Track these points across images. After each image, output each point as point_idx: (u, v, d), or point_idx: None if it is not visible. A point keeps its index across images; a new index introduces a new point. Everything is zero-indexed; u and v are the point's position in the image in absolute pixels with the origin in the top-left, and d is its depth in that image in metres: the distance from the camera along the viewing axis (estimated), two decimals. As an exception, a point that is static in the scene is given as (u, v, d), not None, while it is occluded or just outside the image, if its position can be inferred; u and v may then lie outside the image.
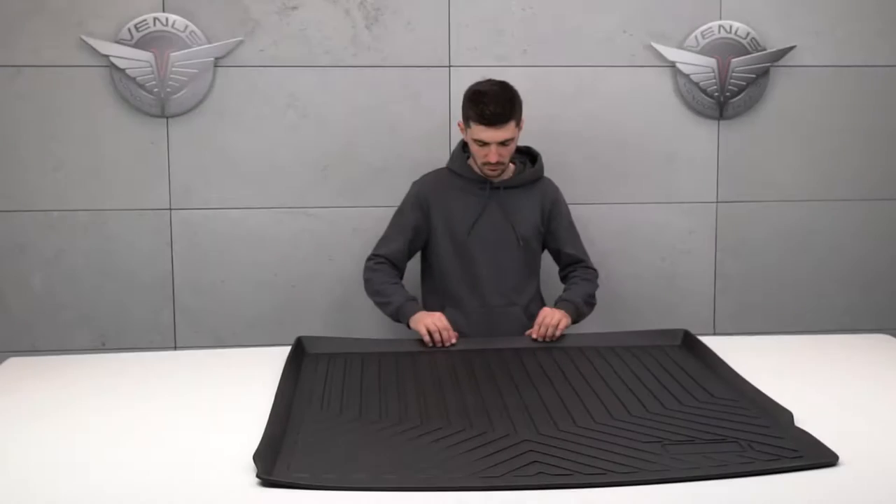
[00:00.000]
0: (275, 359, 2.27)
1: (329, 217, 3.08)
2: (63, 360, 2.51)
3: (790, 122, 3.16)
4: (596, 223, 3.15)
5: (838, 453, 1.63)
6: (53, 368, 2.34)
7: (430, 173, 2.81)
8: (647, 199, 3.17)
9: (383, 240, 2.75)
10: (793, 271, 3.23)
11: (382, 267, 2.69)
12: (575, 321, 2.56)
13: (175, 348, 3.08)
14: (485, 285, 2.69)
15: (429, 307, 2.74)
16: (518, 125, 2.60)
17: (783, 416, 1.82)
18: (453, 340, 2.43)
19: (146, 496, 1.53)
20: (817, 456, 1.63)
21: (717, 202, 3.19)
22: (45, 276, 3.03)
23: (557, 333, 2.44)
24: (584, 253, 2.78)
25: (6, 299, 3.03)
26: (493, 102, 2.53)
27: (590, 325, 3.09)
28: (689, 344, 2.40)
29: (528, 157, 2.82)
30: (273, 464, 1.60)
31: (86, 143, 2.99)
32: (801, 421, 1.81)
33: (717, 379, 2.11)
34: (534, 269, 2.78)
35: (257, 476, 1.54)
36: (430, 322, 2.44)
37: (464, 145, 2.74)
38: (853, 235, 3.23)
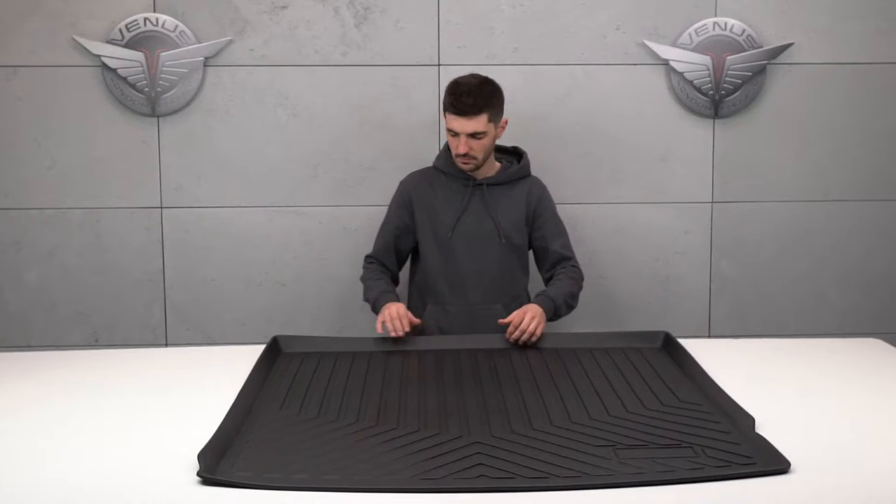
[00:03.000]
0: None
1: (319, 216, 3.09)
2: (43, 356, 2.54)
3: (787, 121, 3.10)
4: (588, 223, 3.12)
5: (796, 460, 1.60)
6: (33, 364, 2.36)
7: (416, 171, 2.81)
8: (641, 199, 3.13)
9: (375, 240, 2.79)
10: (790, 272, 3.17)
11: (371, 266, 2.74)
12: (550, 319, 2.51)
13: (166, 345, 3.10)
14: (467, 283, 2.67)
15: (413, 305, 2.75)
16: (493, 121, 2.58)
17: (745, 422, 1.78)
18: (405, 329, 2.38)
19: (97, 490, 1.54)
20: (770, 462, 1.59)
21: (712, 202, 3.14)
22: (40, 272, 3.07)
23: (533, 340, 2.37)
24: (572, 252, 2.73)
25: (2, 295, 3.08)
26: (466, 93, 2.54)
27: (580, 327, 3.07)
28: (669, 346, 2.36)
29: (515, 156, 2.80)
30: (218, 462, 1.60)
31: (79, 142, 3.02)
32: (765, 426, 1.77)
33: (687, 383, 2.07)
34: (519, 269, 2.74)
35: (197, 474, 1.54)
36: (386, 312, 2.42)
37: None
38: (852, 236, 3.16)
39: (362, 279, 2.73)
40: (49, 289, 3.08)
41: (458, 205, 2.67)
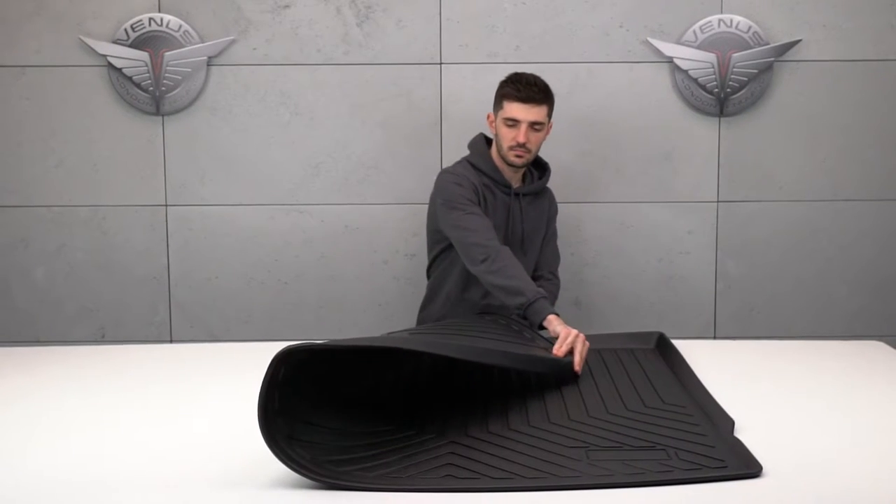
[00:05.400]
0: (265, 354, 2.23)
1: (321, 214, 3.10)
2: (50, 350, 2.57)
3: (794, 119, 3.05)
4: (592, 222, 3.10)
5: (772, 464, 1.57)
6: (40, 359, 2.39)
7: (462, 165, 2.63)
8: (645, 197, 3.10)
9: (472, 231, 2.45)
10: (797, 273, 3.12)
11: (504, 248, 2.43)
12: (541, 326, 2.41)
13: (171, 342, 3.14)
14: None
15: (432, 300, 2.71)
16: (549, 116, 2.58)
17: (724, 425, 1.75)
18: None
19: (100, 481, 1.55)
20: (741, 466, 1.56)
21: (717, 201, 3.10)
22: (48, 269, 3.12)
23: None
24: (556, 263, 2.78)
25: (11, 292, 3.13)
26: (532, 83, 2.54)
27: (582, 328, 3.05)
28: (663, 347, 2.34)
29: (533, 165, 2.75)
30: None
31: (85, 141, 3.07)
32: (746, 430, 1.74)
33: (674, 384, 2.04)
34: (531, 273, 2.73)
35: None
36: (578, 342, 2.16)
37: (485, 142, 2.68)
38: (861, 236, 3.10)
39: (498, 260, 2.40)
40: (56, 285, 3.12)
41: (498, 210, 2.61)
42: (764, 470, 1.55)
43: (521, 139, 2.51)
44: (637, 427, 1.77)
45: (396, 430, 1.75)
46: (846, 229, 3.09)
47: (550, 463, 1.59)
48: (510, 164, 2.59)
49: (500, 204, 2.62)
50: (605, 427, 1.77)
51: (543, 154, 2.75)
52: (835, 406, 1.95)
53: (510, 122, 2.53)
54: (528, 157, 2.57)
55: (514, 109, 2.52)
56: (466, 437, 1.72)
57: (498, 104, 2.58)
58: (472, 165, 2.63)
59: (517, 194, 2.64)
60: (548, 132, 2.62)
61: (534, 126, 2.53)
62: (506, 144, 2.56)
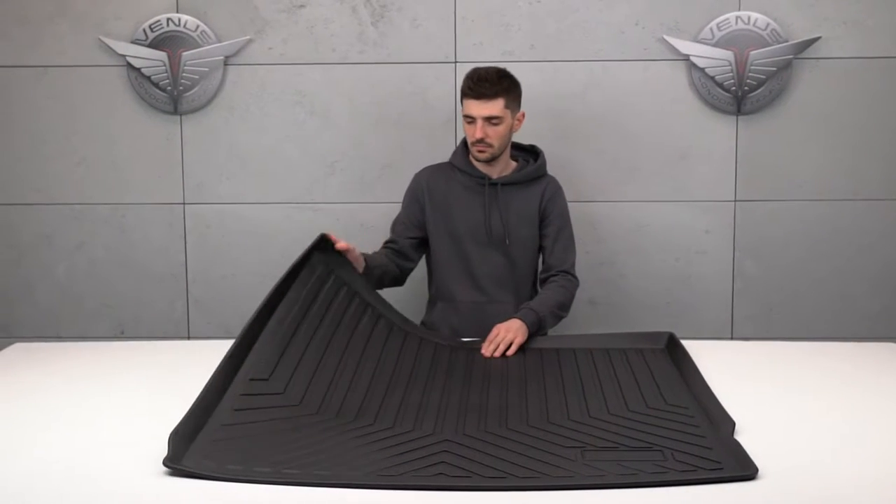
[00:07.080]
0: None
1: (336, 212, 3.12)
2: (71, 346, 2.61)
3: (814, 117, 3.01)
4: (607, 222, 3.08)
5: (770, 467, 1.55)
6: (61, 354, 2.42)
7: (431, 165, 2.79)
8: (661, 196, 3.08)
9: (392, 229, 2.74)
10: (816, 274, 3.08)
11: (384, 249, 2.65)
12: (535, 333, 2.42)
13: (188, 339, 3.17)
14: (478, 280, 2.66)
15: (430, 303, 2.77)
16: (509, 108, 2.57)
17: (725, 426, 1.73)
18: (340, 243, 2.33)
19: (113, 474, 1.58)
20: (737, 469, 1.55)
21: (734, 201, 3.06)
22: (69, 266, 3.17)
23: (510, 353, 2.30)
24: (570, 261, 2.67)
25: (34, 289, 3.19)
26: (483, 77, 2.54)
27: (598, 327, 3.04)
28: (672, 347, 2.32)
29: (532, 155, 2.77)
30: (185, 449, 1.62)
31: (105, 140, 3.11)
32: (746, 431, 1.72)
33: (679, 385, 2.02)
34: (529, 266, 2.73)
35: (163, 463, 1.57)
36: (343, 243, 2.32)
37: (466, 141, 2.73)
38: (881, 236, 3.04)
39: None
40: (77, 282, 3.18)
41: (472, 204, 2.65)
42: (760, 472, 1.54)
43: (478, 135, 2.55)
44: (637, 427, 1.76)
45: (392, 429, 1.76)
46: (866, 229, 3.04)
47: (545, 463, 1.59)
48: (476, 160, 2.63)
49: (474, 197, 2.65)
50: (605, 427, 1.76)
51: (549, 151, 2.75)
52: (840, 409, 1.92)
53: (468, 119, 2.57)
54: (492, 151, 2.59)
55: (469, 106, 2.55)
56: (462, 436, 1.72)
57: (461, 101, 2.61)
58: (452, 165, 2.71)
59: (494, 184, 2.64)
60: (517, 123, 2.62)
61: (490, 121, 2.54)
62: (469, 141, 2.61)
